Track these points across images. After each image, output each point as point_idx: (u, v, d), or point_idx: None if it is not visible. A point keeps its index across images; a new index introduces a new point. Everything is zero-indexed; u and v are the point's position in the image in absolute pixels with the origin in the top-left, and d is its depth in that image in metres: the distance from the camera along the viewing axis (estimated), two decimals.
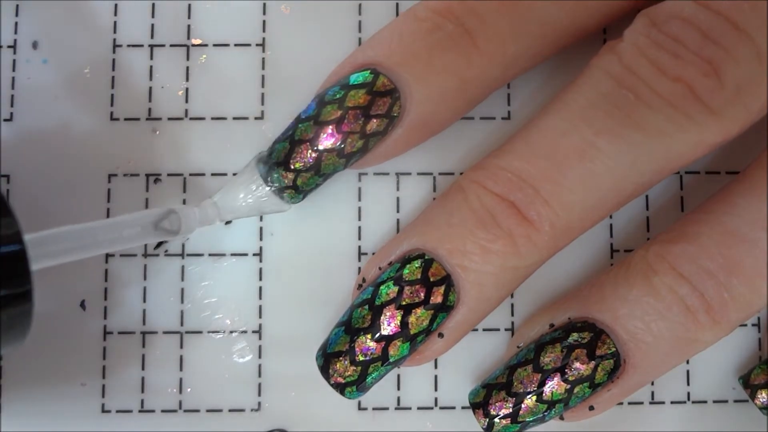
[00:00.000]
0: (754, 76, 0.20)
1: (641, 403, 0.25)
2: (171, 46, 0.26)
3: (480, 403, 0.23)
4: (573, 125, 0.21)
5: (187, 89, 0.26)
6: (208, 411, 0.25)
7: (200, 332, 0.25)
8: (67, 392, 0.25)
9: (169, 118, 0.26)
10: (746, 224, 0.21)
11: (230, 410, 0.25)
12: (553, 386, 0.22)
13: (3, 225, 0.18)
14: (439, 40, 0.22)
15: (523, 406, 0.23)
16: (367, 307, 0.22)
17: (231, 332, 0.25)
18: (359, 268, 0.26)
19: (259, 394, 0.25)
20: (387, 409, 0.25)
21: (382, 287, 0.22)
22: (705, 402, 0.26)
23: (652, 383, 0.25)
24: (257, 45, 0.26)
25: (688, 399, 0.26)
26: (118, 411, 0.25)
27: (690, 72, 0.20)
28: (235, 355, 0.25)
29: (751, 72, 0.20)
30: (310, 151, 0.22)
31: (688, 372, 0.26)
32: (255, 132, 0.26)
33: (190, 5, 0.26)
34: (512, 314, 0.26)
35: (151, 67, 0.26)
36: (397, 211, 0.26)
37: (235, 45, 0.26)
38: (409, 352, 0.22)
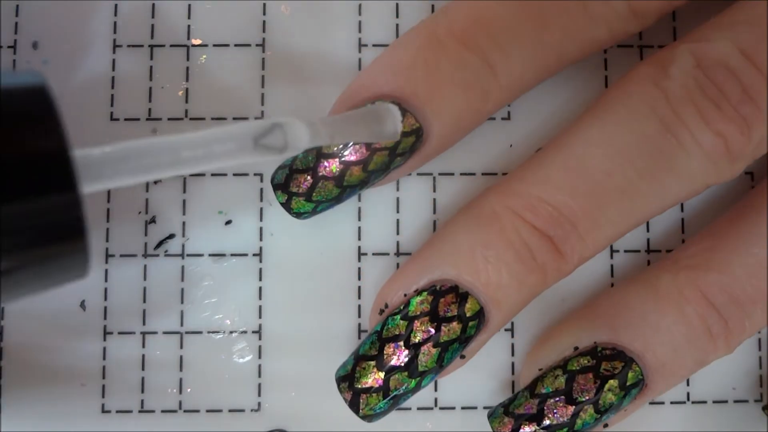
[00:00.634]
0: None
1: None
2: (171, 46, 0.26)
3: None
4: (618, 165, 0.21)
5: (187, 89, 0.26)
6: (208, 411, 0.25)
7: (200, 332, 0.25)
8: (67, 392, 0.25)
9: (169, 118, 0.26)
10: None
11: (230, 410, 0.25)
12: (585, 417, 0.22)
13: (48, 137, 0.15)
14: (465, 78, 0.22)
15: None
16: (402, 343, 0.22)
17: (231, 332, 0.25)
18: (359, 268, 0.26)
19: (259, 395, 0.25)
20: None
21: (417, 323, 0.22)
22: (705, 402, 0.26)
23: None
24: (257, 45, 0.26)
25: (688, 399, 0.26)
26: (118, 411, 0.25)
27: (730, 129, 0.21)
28: (235, 355, 0.25)
29: None
30: (334, 186, 0.23)
31: None
32: None
33: (190, 5, 0.26)
34: None
35: (151, 67, 0.26)
36: (397, 212, 0.26)
37: (235, 45, 0.26)
38: (436, 376, 0.23)
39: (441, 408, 0.25)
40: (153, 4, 0.26)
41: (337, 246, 0.26)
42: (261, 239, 0.26)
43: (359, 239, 0.26)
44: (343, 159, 0.22)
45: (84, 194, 0.15)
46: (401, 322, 0.22)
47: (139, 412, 0.25)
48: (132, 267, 0.25)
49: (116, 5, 0.26)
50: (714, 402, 0.26)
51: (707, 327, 0.22)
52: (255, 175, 0.26)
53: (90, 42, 0.26)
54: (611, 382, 0.22)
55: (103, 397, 0.25)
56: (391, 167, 0.23)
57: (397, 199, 0.26)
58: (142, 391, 0.25)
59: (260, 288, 0.25)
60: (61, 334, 0.25)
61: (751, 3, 0.22)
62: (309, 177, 0.23)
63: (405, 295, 0.23)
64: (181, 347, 0.25)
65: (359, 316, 0.25)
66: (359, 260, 0.26)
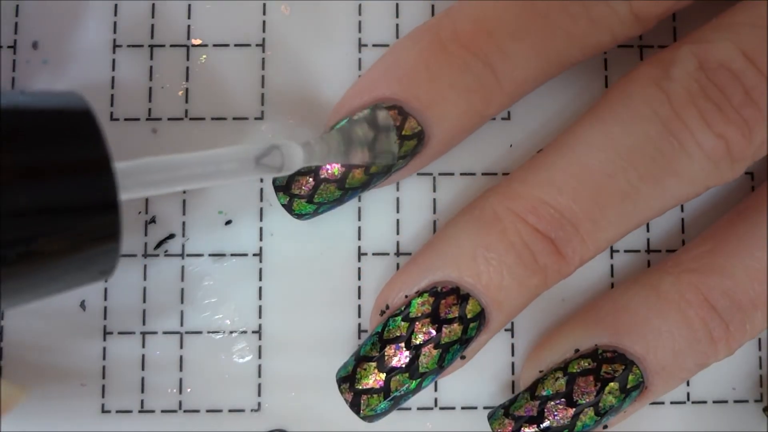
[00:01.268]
0: None
1: None
2: (171, 46, 0.26)
3: None
4: (619, 167, 0.21)
5: (187, 89, 0.26)
6: (208, 411, 0.25)
7: (200, 332, 0.25)
8: (67, 392, 0.25)
9: (169, 118, 0.26)
10: None
11: (230, 410, 0.25)
12: (585, 419, 0.22)
13: (93, 151, 0.17)
14: (468, 83, 0.22)
15: None
16: (403, 345, 0.22)
17: (231, 332, 0.25)
18: (359, 268, 0.26)
19: (259, 395, 0.25)
20: None
21: (418, 324, 0.22)
22: (705, 402, 0.26)
23: None
24: (257, 45, 0.26)
25: (688, 399, 0.26)
26: (118, 411, 0.25)
27: (731, 131, 0.21)
28: (235, 355, 0.25)
29: None
30: (336, 188, 0.23)
31: None
32: (255, 132, 0.26)
33: (190, 5, 0.26)
34: None
35: (151, 67, 0.26)
36: (397, 212, 0.26)
37: (235, 45, 0.26)
38: (437, 377, 0.23)
39: (441, 408, 0.25)
40: (153, 4, 0.26)
41: (337, 246, 0.26)
42: (261, 239, 0.26)
43: (359, 239, 0.26)
44: (345, 163, 0.22)
45: (121, 201, 0.18)
46: (402, 323, 0.22)
47: (139, 412, 0.25)
48: (132, 267, 0.25)
49: (116, 5, 0.26)
50: (714, 402, 0.26)
51: (708, 330, 0.22)
52: None
53: (90, 42, 0.26)
54: (612, 384, 0.22)
55: (103, 397, 0.25)
56: (393, 170, 0.23)
57: (397, 199, 0.26)
58: (142, 391, 0.25)
59: (260, 288, 0.25)
60: (61, 334, 0.25)
61: (752, 3, 0.22)
62: (311, 179, 0.23)
63: (406, 296, 0.23)
64: (181, 347, 0.25)
65: (359, 316, 0.25)
66: (359, 260, 0.26)
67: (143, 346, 0.25)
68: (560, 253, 0.22)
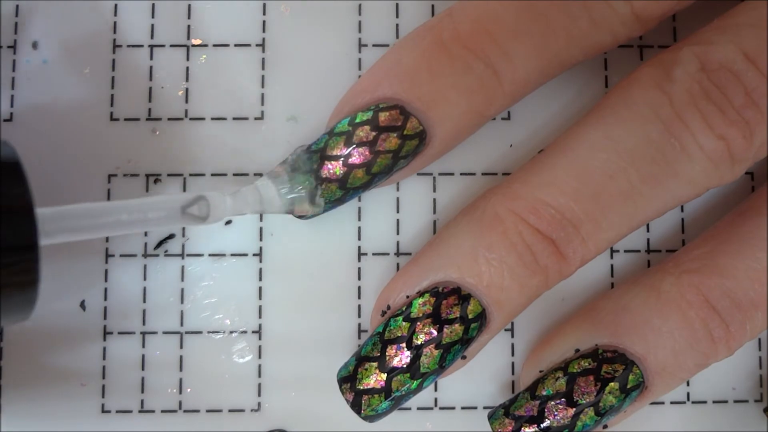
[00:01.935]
0: None
1: None
2: (171, 46, 0.26)
3: None
4: (621, 168, 0.21)
5: (187, 89, 0.26)
6: (208, 411, 0.25)
7: (200, 332, 0.25)
8: (67, 392, 0.25)
9: (169, 118, 0.26)
10: None
11: (230, 410, 0.25)
12: (585, 419, 0.22)
13: (17, 197, 0.18)
14: (469, 83, 0.22)
15: None
16: (404, 345, 0.22)
17: (231, 332, 0.25)
18: (359, 268, 0.26)
19: (259, 395, 0.25)
20: None
21: (419, 325, 0.22)
22: (705, 402, 0.26)
23: None
24: (257, 45, 0.26)
25: (688, 399, 0.26)
26: (118, 411, 0.25)
27: (732, 132, 0.21)
28: (235, 355, 0.25)
29: None
30: (337, 188, 0.23)
31: None
32: (255, 132, 0.26)
33: (190, 5, 0.26)
34: None
35: (151, 67, 0.26)
36: (397, 212, 0.26)
37: (235, 45, 0.26)
38: (438, 377, 0.23)
39: (441, 408, 0.25)
40: (153, 4, 0.26)
41: (337, 246, 0.26)
42: (261, 239, 0.26)
43: (359, 239, 0.26)
44: (347, 162, 0.22)
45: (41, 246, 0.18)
46: (403, 323, 0.22)
47: (139, 412, 0.25)
48: (132, 267, 0.25)
49: (116, 5, 0.26)
50: (714, 402, 0.26)
51: (709, 331, 0.22)
52: (255, 175, 0.26)
53: (90, 42, 0.26)
54: (612, 384, 0.22)
55: (103, 397, 0.25)
56: (394, 169, 0.23)
57: (397, 199, 0.26)
58: (142, 391, 0.25)
59: (260, 288, 0.25)
60: (61, 334, 0.25)
61: (753, 4, 0.22)
62: (313, 179, 0.23)
63: (407, 296, 0.23)
64: (181, 347, 0.25)
65: (359, 317, 0.25)
66: (359, 260, 0.26)
67: (143, 346, 0.25)
68: (561, 253, 0.22)
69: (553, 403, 0.22)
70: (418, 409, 0.25)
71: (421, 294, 0.23)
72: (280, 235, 0.26)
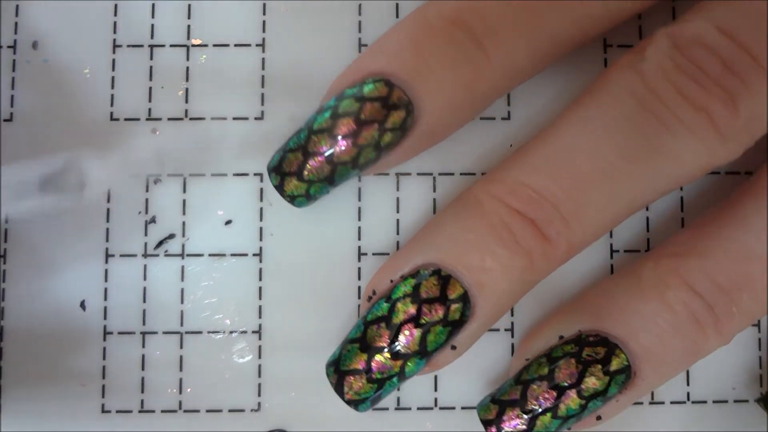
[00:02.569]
0: (765, 108, 0.21)
1: (641, 403, 0.25)
2: (171, 46, 0.26)
3: (492, 420, 0.23)
4: (597, 146, 0.21)
5: (187, 89, 0.26)
6: (208, 411, 0.25)
7: (200, 332, 0.25)
8: (67, 392, 0.25)
9: (169, 118, 0.26)
10: (760, 242, 0.22)
11: (230, 410, 0.25)
12: (569, 403, 0.22)
13: None
14: (453, 53, 0.22)
15: (537, 422, 0.22)
16: (384, 324, 0.22)
17: (231, 332, 0.25)
18: (359, 268, 0.26)
19: (259, 395, 0.25)
20: (387, 409, 0.25)
21: (399, 304, 0.22)
22: (705, 402, 0.26)
23: None
24: (257, 45, 0.26)
25: (688, 399, 0.26)
26: (118, 411, 0.25)
27: (712, 102, 0.21)
28: (235, 355, 0.25)
29: (762, 104, 0.21)
30: (324, 163, 0.23)
31: (688, 372, 0.26)
32: (255, 132, 0.26)
33: (190, 5, 0.26)
34: (512, 314, 0.26)
35: (151, 67, 0.26)
36: (397, 212, 0.26)
37: (235, 45, 0.26)
38: (424, 365, 0.23)
39: (441, 408, 0.25)
40: (153, 4, 0.26)
41: (337, 246, 0.26)
42: (261, 239, 0.26)
43: (359, 239, 0.26)
44: (332, 134, 0.22)
45: None
46: (385, 305, 0.22)
47: (139, 412, 0.25)
48: (132, 267, 0.25)
49: (116, 5, 0.26)
50: (714, 402, 0.26)
51: (692, 313, 0.22)
52: (255, 175, 0.26)
53: (90, 42, 0.26)
54: (593, 368, 0.22)
55: (103, 397, 0.25)
56: (383, 144, 0.23)
57: (397, 199, 0.26)
58: (142, 391, 0.25)
59: (260, 288, 0.25)
60: (61, 334, 0.25)
61: None
62: (300, 155, 0.23)
63: (392, 281, 0.23)
64: (181, 347, 0.25)
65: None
66: (359, 260, 0.26)
67: (143, 346, 0.25)
68: (543, 234, 0.22)
69: (535, 386, 0.22)
70: (418, 409, 0.25)
71: (404, 278, 0.23)
72: (280, 235, 0.26)
